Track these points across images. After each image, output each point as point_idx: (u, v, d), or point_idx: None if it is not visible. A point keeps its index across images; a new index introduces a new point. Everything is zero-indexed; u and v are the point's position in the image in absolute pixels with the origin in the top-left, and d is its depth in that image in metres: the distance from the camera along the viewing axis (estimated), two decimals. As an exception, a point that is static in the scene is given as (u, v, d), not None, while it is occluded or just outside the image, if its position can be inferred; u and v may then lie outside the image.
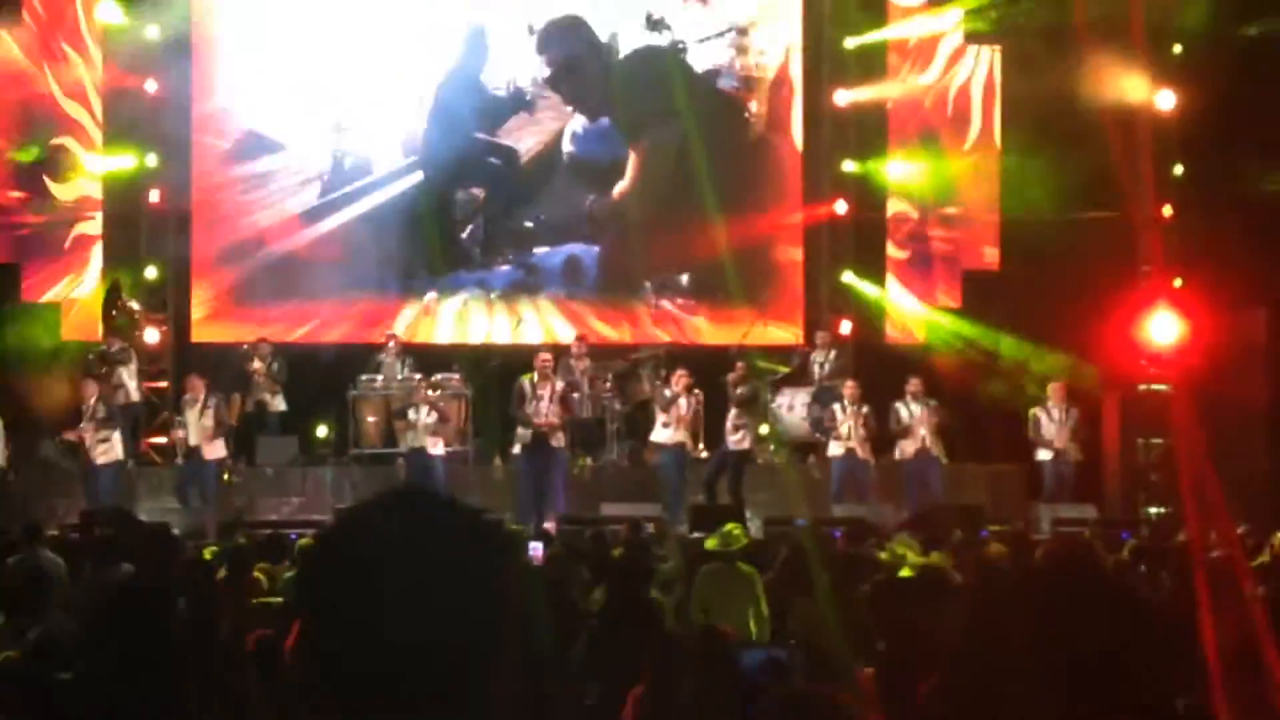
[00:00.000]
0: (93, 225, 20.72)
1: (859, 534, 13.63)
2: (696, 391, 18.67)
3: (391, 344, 19.99)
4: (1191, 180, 20.79)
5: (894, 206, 21.96)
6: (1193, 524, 14.85)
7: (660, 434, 18.74)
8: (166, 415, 20.08)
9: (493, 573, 2.05)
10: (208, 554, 12.99)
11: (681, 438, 18.58)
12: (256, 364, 19.41)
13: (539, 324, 21.67)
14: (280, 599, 10.06)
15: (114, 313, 19.74)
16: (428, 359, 20.00)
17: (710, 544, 11.22)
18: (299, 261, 21.37)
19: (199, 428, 18.38)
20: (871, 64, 21.89)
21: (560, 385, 18.46)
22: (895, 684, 6.97)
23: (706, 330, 21.77)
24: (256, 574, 11.26)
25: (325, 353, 20.45)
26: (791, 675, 6.51)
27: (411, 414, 18.74)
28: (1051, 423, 19.07)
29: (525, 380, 18.36)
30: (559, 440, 18.34)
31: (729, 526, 11.33)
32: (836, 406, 19.04)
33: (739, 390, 18.74)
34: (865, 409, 18.93)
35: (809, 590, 9.61)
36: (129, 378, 19.28)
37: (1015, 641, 3.44)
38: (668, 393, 18.70)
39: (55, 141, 20.55)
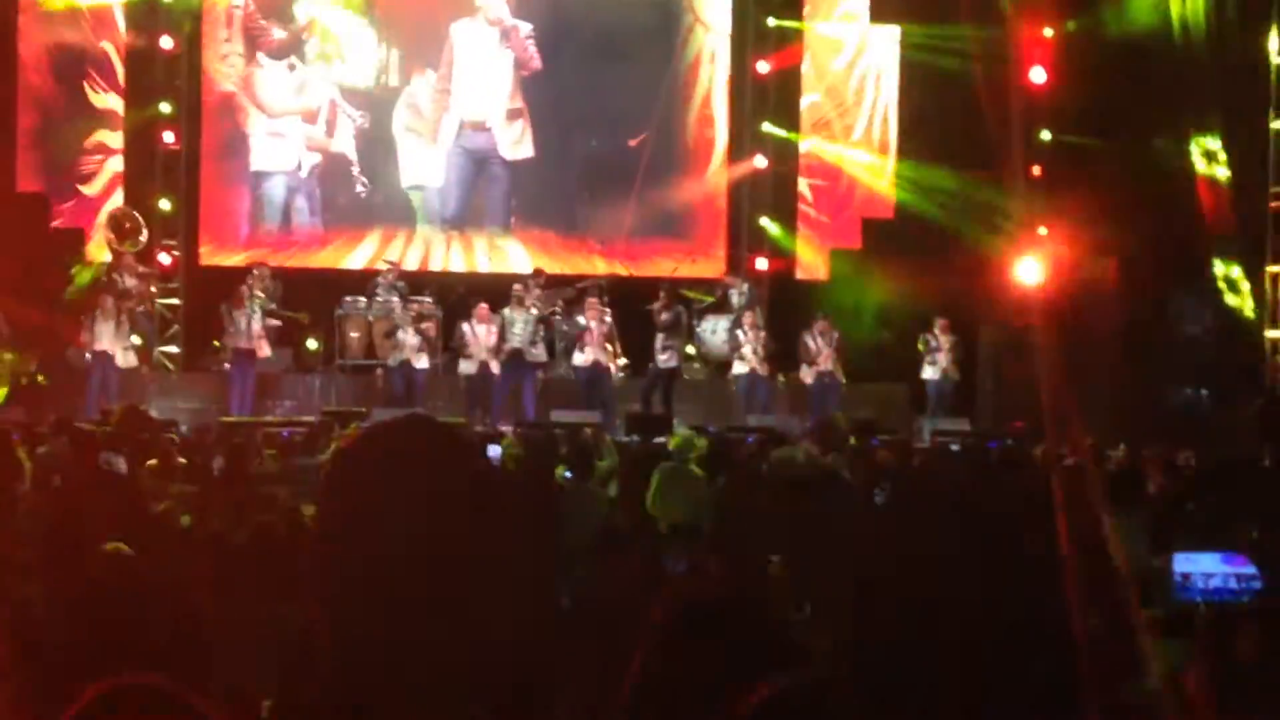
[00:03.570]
0: (115, 162, 20.47)
1: (766, 441, 13.73)
2: (606, 317, 18.71)
3: (388, 270, 19.83)
4: (1057, 146, 20.87)
5: (805, 161, 21.92)
6: (1050, 436, 15.01)
7: (577, 358, 18.82)
8: (177, 329, 20.06)
9: (477, 483, 2.07)
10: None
11: (595, 356, 18.59)
12: (257, 284, 19.16)
13: (502, 255, 21.60)
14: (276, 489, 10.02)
15: (119, 232, 19.58)
16: (411, 284, 19.90)
17: (673, 444, 11.33)
18: (292, 199, 21.22)
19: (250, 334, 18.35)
20: (789, 38, 21.80)
21: (535, 312, 18.50)
22: (800, 569, 7.01)
23: (644, 264, 21.70)
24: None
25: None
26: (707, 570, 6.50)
27: (400, 334, 18.71)
28: (935, 350, 19.20)
29: (505, 311, 18.51)
30: (532, 357, 18.44)
31: (689, 434, 11.45)
32: (739, 332, 19.12)
33: (663, 316, 18.85)
34: (763, 334, 19.02)
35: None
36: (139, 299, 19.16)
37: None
38: (581, 320, 18.73)
39: (74, 88, 20.26)
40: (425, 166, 21.43)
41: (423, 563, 1.97)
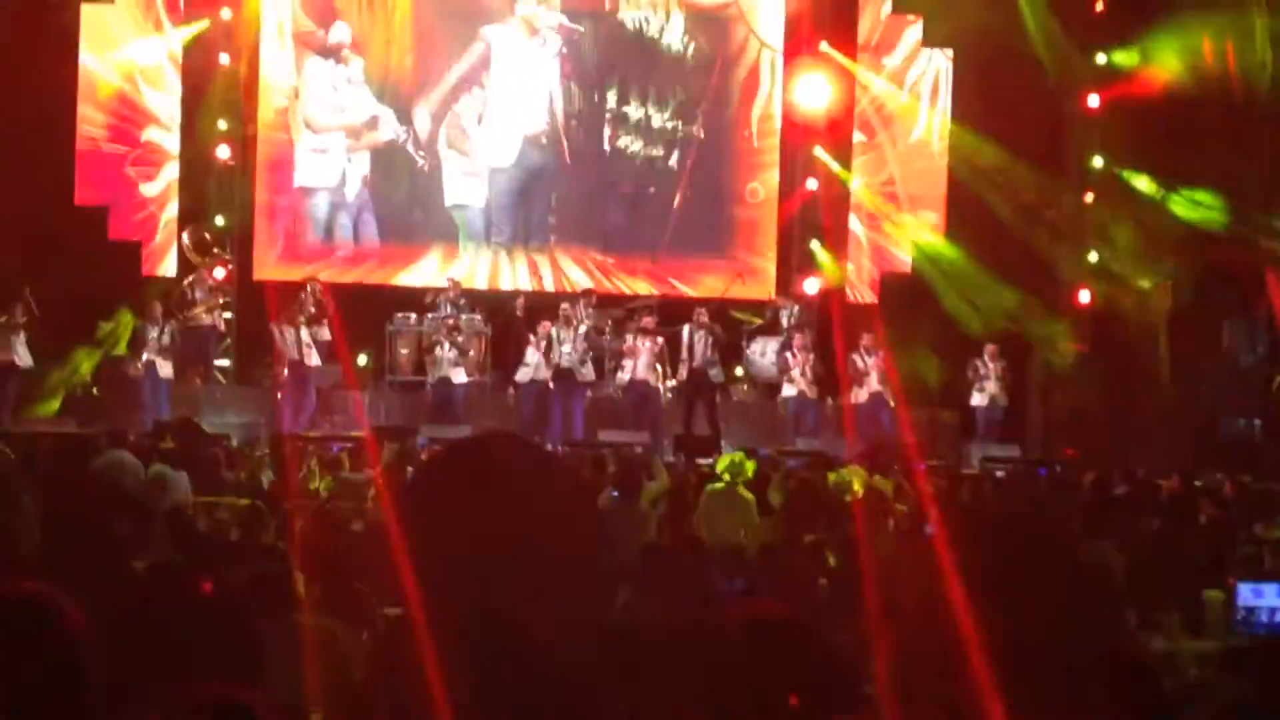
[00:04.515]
0: (171, 184, 20.64)
1: (816, 464, 13.65)
2: (659, 339, 18.69)
3: (450, 286, 19.85)
4: (1109, 172, 20.75)
5: (856, 182, 21.80)
6: (1101, 464, 14.89)
7: (623, 377, 18.82)
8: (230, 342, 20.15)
9: (564, 502, 2.03)
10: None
11: (644, 376, 18.57)
12: (309, 298, 19.20)
13: (553, 274, 21.56)
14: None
15: (199, 246, 19.76)
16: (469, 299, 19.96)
17: (721, 468, 11.31)
18: (345, 216, 21.31)
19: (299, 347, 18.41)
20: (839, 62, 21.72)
21: (583, 329, 18.51)
22: (844, 594, 6.94)
23: (692, 284, 21.63)
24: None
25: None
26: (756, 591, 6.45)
27: (438, 350, 18.74)
28: (985, 375, 19.05)
29: (553, 330, 18.45)
30: (582, 376, 18.41)
31: (738, 457, 11.42)
32: (788, 354, 19.05)
33: (716, 327, 18.88)
34: (812, 356, 18.93)
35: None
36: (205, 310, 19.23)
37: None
38: (629, 338, 18.73)
39: (144, 138, 20.46)
40: (469, 184, 21.46)
41: (506, 571, 1.94)
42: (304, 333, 18.44)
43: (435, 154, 21.28)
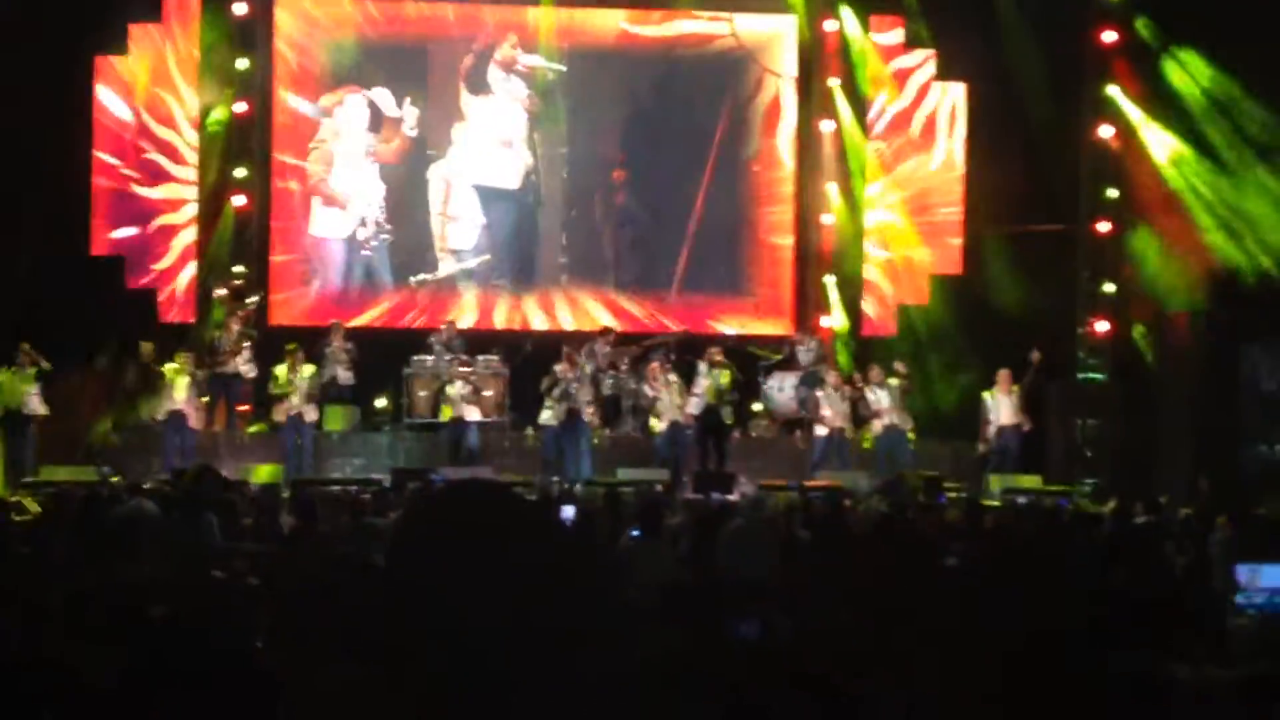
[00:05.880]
0: (188, 232, 20.75)
1: (838, 497, 13.63)
2: (671, 377, 18.66)
3: (444, 329, 19.90)
4: (1125, 201, 20.75)
5: (872, 219, 21.84)
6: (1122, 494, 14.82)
7: (656, 424, 18.84)
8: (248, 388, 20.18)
9: (533, 545, 2.03)
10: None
11: (673, 418, 18.54)
12: (334, 342, 19.27)
13: (570, 312, 21.61)
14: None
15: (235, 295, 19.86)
16: (478, 342, 19.96)
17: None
18: (359, 259, 21.41)
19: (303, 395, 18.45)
20: (853, 96, 21.76)
21: (590, 370, 18.50)
22: (874, 626, 6.89)
23: (709, 321, 21.66)
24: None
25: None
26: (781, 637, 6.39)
27: (449, 389, 18.77)
28: (998, 405, 18.94)
29: (557, 367, 18.40)
30: (587, 415, 18.39)
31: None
32: (820, 393, 18.98)
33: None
34: (847, 388, 18.92)
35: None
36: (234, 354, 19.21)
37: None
38: (648, 390, 18.70)
39: (160, 189, 20.61)
40: (468, 228, 21.55)
41: (483, 628, 1.93)
42: (308, 374, 18.46)
43: (424, 196, 21.43)
